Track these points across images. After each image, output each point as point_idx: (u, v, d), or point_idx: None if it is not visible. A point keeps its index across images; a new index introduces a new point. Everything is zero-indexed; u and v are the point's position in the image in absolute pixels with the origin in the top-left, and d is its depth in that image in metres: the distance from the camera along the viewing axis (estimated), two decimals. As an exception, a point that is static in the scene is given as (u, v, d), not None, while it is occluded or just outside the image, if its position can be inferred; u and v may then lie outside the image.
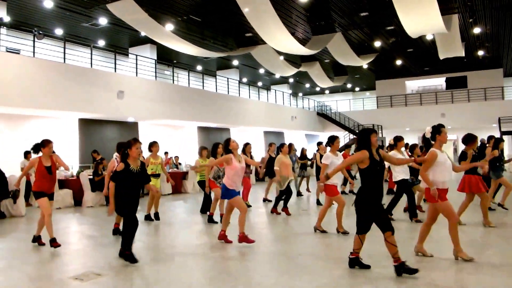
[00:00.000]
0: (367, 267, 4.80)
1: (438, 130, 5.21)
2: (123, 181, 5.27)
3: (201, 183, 9.16)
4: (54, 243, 6.06)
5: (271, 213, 9.36)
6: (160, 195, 9.02)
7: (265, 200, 11.67)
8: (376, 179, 4.66)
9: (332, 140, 7.10)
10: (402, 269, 4.48)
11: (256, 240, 6.25)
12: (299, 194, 12.87)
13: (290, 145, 11.25)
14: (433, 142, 5.24)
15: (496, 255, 5.46)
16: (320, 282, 4.43)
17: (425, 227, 5.36)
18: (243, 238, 6.09)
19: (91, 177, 11.63)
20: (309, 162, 13.77)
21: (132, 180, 5.30)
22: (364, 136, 4.73)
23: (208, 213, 8.58)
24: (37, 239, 6.46)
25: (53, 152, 6.46)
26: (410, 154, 9.27)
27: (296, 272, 4.83)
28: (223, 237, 6.34)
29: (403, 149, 8.46)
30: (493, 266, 4.88)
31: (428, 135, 5.28)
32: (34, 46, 13.48)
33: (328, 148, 7.19)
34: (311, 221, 8.62)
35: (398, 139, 8.07)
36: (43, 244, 6.34)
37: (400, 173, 7.85)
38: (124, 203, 5.29)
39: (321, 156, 10.95)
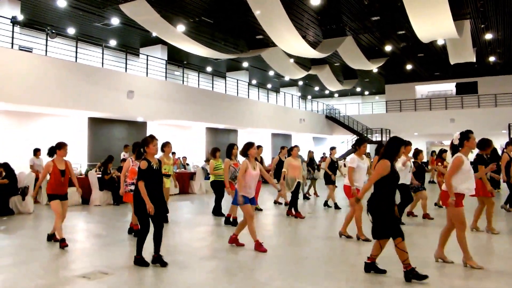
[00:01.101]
0: (383, 271, 4.76)
1: (466, 136, 5.12)
2: (148, 179, 5.13)
3: (214, 184, 9.14)
4: (62, 243, 6.13)
5: (286, 216, 9.26)
6: (168, 197, 9.00)
7: (275, 202, 11.64)
8: (392, 188, 4.64)
9: (359, 143, 6.96)
10: (411, 275, 4.45)
11: (264, 242, 6.23)
12: (305, 197, 12.84)
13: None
14: (460, 149, 5.16)
15: (505, 262, 5.40)
16: (324, 286, 4.41)
17: (446, 232, 5.27)
18: (258, 246, 5.96)
19: (100, 175, 11.70)
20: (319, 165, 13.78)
21: (155, 177, 5.20)
22: (395, 146, 4.69)
23: (226, 214, 8.47)
24: (52, 237, 6.57)
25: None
26: (414, 159, 9.19)
27: (301, 275, 4.82)
28: (234, 240, 6.27)
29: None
30: (502, 274, 4.83)
31: (456, 142, 5.17)
32: (46, 45, 13.63)
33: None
34: (318, 224, 8.61)
35: (405, 144, 8.02)
36: (58, 241, 6.41)
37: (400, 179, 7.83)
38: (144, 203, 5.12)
39: (331, 161, 10.96)
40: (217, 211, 9.41)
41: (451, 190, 4.95)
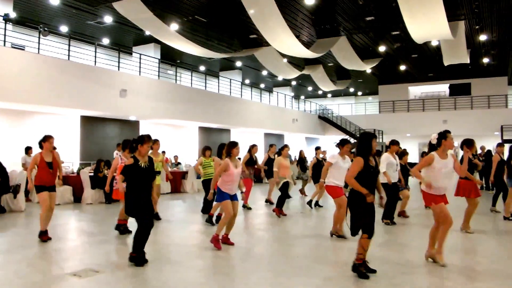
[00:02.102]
0: (373, 271, 4.73)
1: (444, 135, 5.23)
2: (132, 177, 5.15)
3: (204, 183, 9.16)
4: (43, 236, 6.21)
5: (274, 214, 9.26)
6: (159, 194, 8.95)
7: (267, 201, 11.63)
8: (368, 184, 4.65)
9: (343, 143, 6.99)
10: (359, 268, 4.62)
11: (253, 241, 6.23)
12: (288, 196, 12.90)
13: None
14: (438, 148, 5.25)
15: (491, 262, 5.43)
16: (314, 284, 4.40)
17: (433, 231, 5.31)
18: (214, 240, 6.02)
19: (92, 174, 11.62)
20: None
21: (141, 175, 5.16)
22: (366, 142, 4.73)
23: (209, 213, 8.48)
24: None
25: (55, 148, 6.71)
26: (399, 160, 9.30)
27: (292, 273, 4.80)
28: (225, 239, 6.25)
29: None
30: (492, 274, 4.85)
31: (434, 141, 5.28)
32: (39, 43, 13.51)
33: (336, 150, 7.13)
34: (307, 223, 8.62)
35: (392, 143, 8.11)
36: (50, 239, 6.40)
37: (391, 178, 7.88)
38: (133, 202, 5.13)
39: (317, 161, 11.03)
40: (206, 210, 9.29)
41: (420, 177, 5.18)
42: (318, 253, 5.93)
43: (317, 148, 11.50)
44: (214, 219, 8.20)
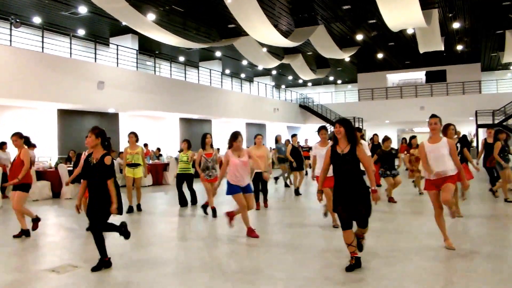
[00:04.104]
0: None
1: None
2: (83, 175, 4.88)
3: (177, 176, 9.21)
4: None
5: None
6: (139, 186, 8.93)
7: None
8: (336, 172, 4.53)
9: (318, 130, 6.90)
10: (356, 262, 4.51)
11: (255, 229, 6.27)
12: (286, 185, 13.15)
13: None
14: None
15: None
16: (301, 275, 4.52)
17: (438, 219, 5.30)
18: (250, 232, 6.11)
19: (71, 168, 11.49)
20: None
21: (90, 173, 4.70)
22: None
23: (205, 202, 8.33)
24: (25, 232, 6.40)
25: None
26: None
27: (278, 263, 4.90)
28: (249, 231, 6.16)
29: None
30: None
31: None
32: (11, 35, 13.17)
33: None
34: (293, 212, 8.76)
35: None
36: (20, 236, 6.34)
37: None
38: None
39: (292, 147, 11.13)
40: (182, 201, 9.30)
41: (429, 169, 5.21)
42: (310, 243, 6.03)
43: (293, 136, 11.61)
44: (209, 210, 8.07)
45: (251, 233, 6.10)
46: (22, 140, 6.34)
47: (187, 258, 5.29)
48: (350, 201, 4.39)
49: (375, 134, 12.70)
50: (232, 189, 6.05)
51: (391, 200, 9.20)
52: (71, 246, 5.95)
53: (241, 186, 6.06)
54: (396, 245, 5.56)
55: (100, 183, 4.58)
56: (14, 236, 6.31)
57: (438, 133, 5.29)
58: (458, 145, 7.23)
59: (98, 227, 4.65)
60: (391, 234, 6.29)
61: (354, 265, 4.45)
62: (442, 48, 20.66)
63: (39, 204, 10.24)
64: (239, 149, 6.19)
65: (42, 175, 11.42)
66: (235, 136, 6.19)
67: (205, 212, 8.15)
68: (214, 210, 7.92)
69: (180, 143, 9.43)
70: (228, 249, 5.66)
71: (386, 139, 9.44)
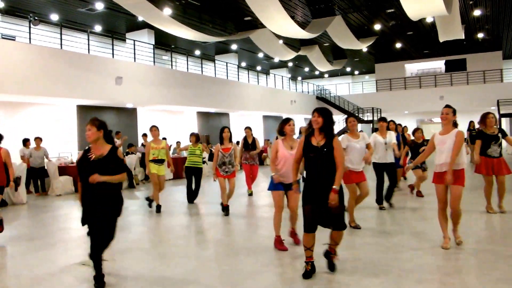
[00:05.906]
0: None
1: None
2: (80, 174, 4.09)
3: (186, 170, 9.05)
4: None
5: None
6: (164, 185, 8.23)
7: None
8: (308, 166, 4.13)
9: (346, 120, 6.28)
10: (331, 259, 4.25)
11: (284, 240, 5.37)
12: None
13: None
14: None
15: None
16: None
17: (440, 213, 5.06)
18: (277, 243, 5.16)
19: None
20: None
21: (87, 171, 3.97)
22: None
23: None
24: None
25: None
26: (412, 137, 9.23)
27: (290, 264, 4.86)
28: (291, 235, 5.43)
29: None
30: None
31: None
32: (30, 33, 13.32)
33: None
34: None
35: (380, 119, 7.61)
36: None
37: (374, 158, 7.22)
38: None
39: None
40: (190, 198, 9.06)
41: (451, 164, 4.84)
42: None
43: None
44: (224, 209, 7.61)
45: (278, 244, 5.13)
46: None
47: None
48: (321, 199, 3.95)
49: (401, 125, 11.37)
50: (272, 185, 5.13)
51: (418, 194, 8.84)
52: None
53: (284, 183, 5.03)
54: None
55: (103, 183, 3.88)
56: None
57: (449, 124, 4.99)
58: (500, 135, 6.63)
59: (105, 242, 4.02)
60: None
61: (311, 271, 4.10)
62: (463, 37, 20.17)
63: (62, 198, 10.39)
64: (291, 138, 5.09)
65: (64, 170, 11.56)
66: (286, 120, 5.07)
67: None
68: (227, 208, 7.48)
69: (201, 137, 9.24)
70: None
71: (417, 129, 9.14)
